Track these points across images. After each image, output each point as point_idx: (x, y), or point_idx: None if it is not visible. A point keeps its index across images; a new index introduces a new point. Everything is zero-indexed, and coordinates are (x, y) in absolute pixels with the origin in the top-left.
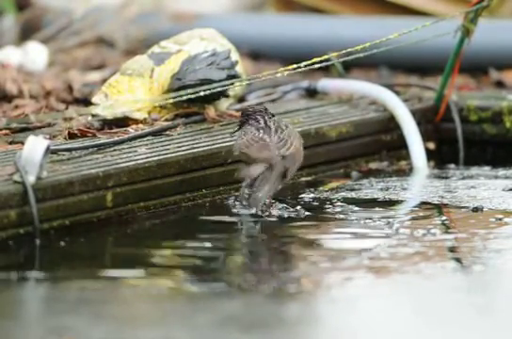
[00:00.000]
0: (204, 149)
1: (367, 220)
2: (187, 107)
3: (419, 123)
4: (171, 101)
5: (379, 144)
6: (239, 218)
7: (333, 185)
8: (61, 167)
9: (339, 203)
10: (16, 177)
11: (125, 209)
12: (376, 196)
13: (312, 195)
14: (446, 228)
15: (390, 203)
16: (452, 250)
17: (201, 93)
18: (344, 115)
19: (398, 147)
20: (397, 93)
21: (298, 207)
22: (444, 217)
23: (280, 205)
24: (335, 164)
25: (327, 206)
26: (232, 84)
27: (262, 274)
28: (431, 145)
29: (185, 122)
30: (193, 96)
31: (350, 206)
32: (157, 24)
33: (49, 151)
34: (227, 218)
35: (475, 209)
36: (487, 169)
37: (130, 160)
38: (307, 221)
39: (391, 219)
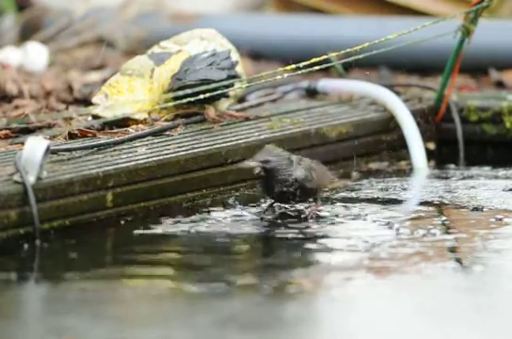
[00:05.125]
0: (204, 149)
1: (367, 220)
2: (187, 108)
3: (419, 124)
4: (173, 103)
5: (379, 144)
6: (239, 218)
7: (333, 185)
8: (61, 167)
9: (339, 203)
10: (16, 177)
11: (125, 209)
12: (375, 196)
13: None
14: (446, 228)
15: (390, 203)
16: (452, 250)
17: (202, 96)
18: (344, 115)
19: (398, 147)
20: (397, 93)
21: (298, 207)
22: (444, 218)
23: (281, 205)
24: (335, 164)
25: (327, 206)
26: (233, 84)
27: (261, 274)
28: (431, 145)
29: (186, 123)
30: (193, 99)
31: (350, 206)
32: (157, 25)
33: (49, 151)
34: (226, 218)
35: (475, 209)
36: (487, 169)
37: (130, 160)
38: (307, 221)
39: (391, 219)
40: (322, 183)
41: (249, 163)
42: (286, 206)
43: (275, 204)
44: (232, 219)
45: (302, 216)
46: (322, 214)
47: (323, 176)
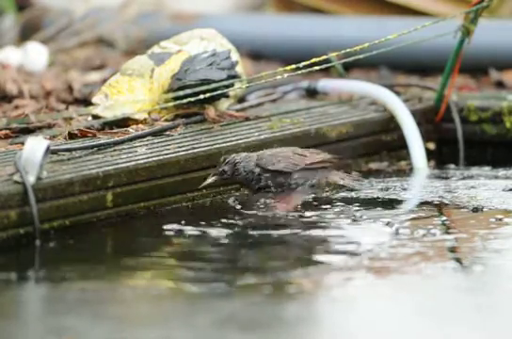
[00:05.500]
0: (204, 149)
1: (367, 220)
2: (187, 108)
3: (419, 124)
4: (173, 103)
5: (379, 144)
6: (239, 218)
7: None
8: (61, 167)
9: (339, 203)
10: (16, 177)
11: (125, 209)
12: (375, 196)
13: (312, 195)
14: (446, 228)
15: (390, 203)
16: (452, 250)
17: (202, 96)
18: (344, 115)
19: (398, 147)
20: (397, 93)
21: (299, 207)
22: (444, 218)
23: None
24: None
25: (327, 206)
26: (233, 84)
27: (261, 274)
28: (431, 145)
29: (186, 123)
30: (193, 99)
31: (350, 206)
32: (157, 25)
33: (49, 151)
34: (227, 218)
35: (475, 209)
36: (487, 169)
37: (130, 160)
38: (307, 221)
39: (391, 219)
40: (294, 164)
41: (207, 181)
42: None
43: (274, 204)
44: (231, 220)
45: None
46: (322, 214)
47: (296, 158)
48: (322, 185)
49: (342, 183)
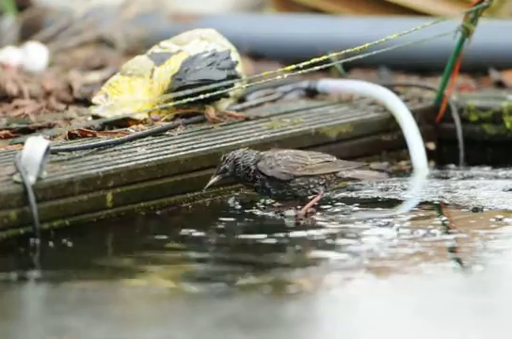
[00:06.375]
0: (204, 149)
1: (367, 220)
2: (187, 108)
3: (419, 124)
4: (173, 103)
5: (379, 144)
6: (239, 218)
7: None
8: (61, 167)
9: (339, 203)
10: (16, 177)
11: (125, 209)
12: (375, 196)
13: (312, 195)
14: (446, 228)
15: (390, 203)
16: (452, 250)
17: (202, 96)
18: (344, 115)
19: (398, 147)
20: (397, 93)
21: (299, 207)
22: (444, 218)
23: (281, 206)
24: None
25: (327, 206)
26: (233, 84)
27: (261, 274)
28: (431, 145)
29: (185, 123)
30: (193, 99)
31: (350, 206)
32: (157, 24)
33: (49, 151)
34: (226, 218)
35: (475, 209)
36: (487, 169)
37: (130, 160)
38: (307, 221)
39: (391, 219)
40: (294, 172)
41: (210, 182)
42: (287, 206)
43: (275, 204)
44: (231, 219)
45: (291, 215)
46: (322, 214)
47: (295, 166)
48: (332, 182)
49: (350, 175)
